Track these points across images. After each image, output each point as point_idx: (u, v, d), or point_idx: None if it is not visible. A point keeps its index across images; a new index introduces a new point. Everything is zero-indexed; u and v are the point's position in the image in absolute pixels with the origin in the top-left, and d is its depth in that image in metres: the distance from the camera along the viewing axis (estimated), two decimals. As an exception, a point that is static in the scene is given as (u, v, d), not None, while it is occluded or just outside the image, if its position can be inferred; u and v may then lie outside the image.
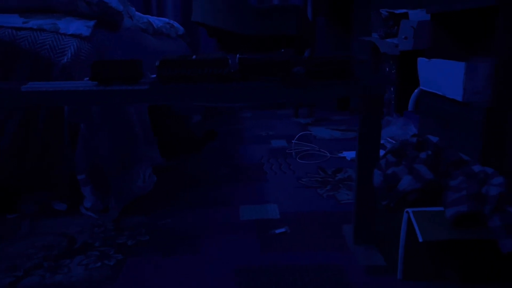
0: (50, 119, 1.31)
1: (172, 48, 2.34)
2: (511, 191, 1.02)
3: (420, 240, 0.91)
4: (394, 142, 1.95)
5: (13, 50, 1.25)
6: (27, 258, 1.14)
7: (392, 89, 2.32)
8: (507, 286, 0.96)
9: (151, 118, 1.98)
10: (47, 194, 1.43)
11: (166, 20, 2.64)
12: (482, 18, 1.68)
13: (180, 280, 1.04)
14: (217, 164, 1.96)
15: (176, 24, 2.78)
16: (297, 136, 2.37)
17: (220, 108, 3.59)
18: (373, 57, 2.43)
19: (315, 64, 1.00)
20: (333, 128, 2.71)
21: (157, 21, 2.34)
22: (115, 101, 1.01)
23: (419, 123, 1.94)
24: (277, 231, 1.28)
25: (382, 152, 1.13)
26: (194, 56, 1.02)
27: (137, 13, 2.02)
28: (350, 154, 2.06)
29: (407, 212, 0.97)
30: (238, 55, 1.01)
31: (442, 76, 1.67)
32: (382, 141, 2.10)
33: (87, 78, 1.07)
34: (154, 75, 1.07)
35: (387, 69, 2.35)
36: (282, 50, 1.39)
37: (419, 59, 1.87)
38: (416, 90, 2.15)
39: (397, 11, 2.19)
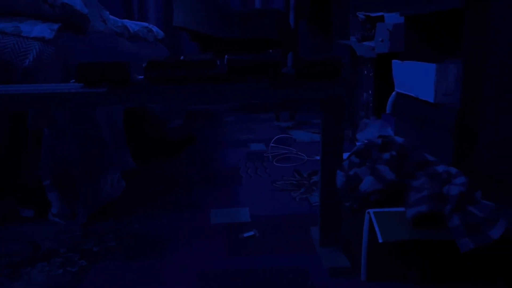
0: (15, 124, 1.29)
1: (148, 52, 2.33)
2: (477, 191, 1.02)
3: (380, 240, 0.90)
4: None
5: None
6: (-12, 265, 1.12)
7: (370, 92, 2.33)
8: (465, 286, 0.96)
9: (128, 123, 1.97)
10: (14, 201, 1.41)
11: (145, 24, 2.63)
12: (453, 20, 1.69)
13: (142, 285, 1.02)
14: (193, 168, 1.95)
15: (155, 28, 2.77)
16: (273, 139, 2.36)
17: (202, 112, 3.58)
18: (351, 60, 2.44)
19: (305, 65, 1.00)
20: (314, 131, 2.71)
21: (134, 25, 2.33)
22: (104, 103, 0.99)
23: (395, 125, 1.95)
24: (246, 234, 1.26)
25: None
26: (182, 57, 1.01)
27: (111, 17, 2.00)
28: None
29: (368, 213, 0.97)
30: (226, 56, 1.00)
31: (415, 78, 1.68)
32: (358, 144, 2.09)
33: (73, 80, 1.05)
34: (141, 77, 1.05)
35: (365, 72, 2.36)
36: (271, 51, 1.39)
37: (393, 61, 1.87)
38: (393, 93, 2.15)
39: (373, 15, 2.20)
